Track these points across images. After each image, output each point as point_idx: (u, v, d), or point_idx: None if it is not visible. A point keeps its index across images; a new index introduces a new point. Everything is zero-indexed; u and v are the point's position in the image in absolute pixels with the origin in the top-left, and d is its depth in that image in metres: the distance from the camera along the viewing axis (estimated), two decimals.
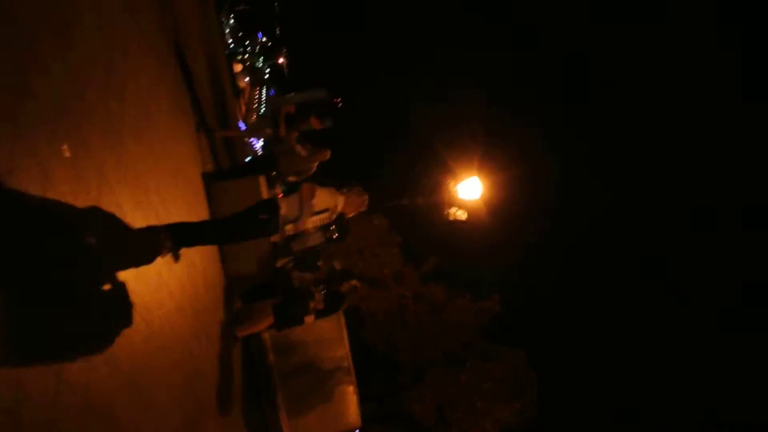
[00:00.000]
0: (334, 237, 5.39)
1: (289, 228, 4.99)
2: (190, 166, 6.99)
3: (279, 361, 8.42)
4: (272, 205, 5.10)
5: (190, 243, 4.94)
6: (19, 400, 2.15)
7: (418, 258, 24.95)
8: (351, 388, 8.72)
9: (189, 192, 6.53)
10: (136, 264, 3.89)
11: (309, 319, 7.32)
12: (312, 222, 5.04)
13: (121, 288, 3.52)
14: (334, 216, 5.39)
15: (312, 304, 7.20)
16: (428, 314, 23.88)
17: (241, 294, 8.02)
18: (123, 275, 3.65)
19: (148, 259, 4.11)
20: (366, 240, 23.87)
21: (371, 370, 23.55)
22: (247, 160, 10.99)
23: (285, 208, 5.05)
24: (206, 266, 6.55)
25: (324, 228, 5.08)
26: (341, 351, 8.67)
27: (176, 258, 4.85)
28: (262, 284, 8.04)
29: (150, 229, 4.36)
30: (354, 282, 7.92)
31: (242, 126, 11.34)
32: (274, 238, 5.55)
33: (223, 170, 9.29)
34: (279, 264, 7.99)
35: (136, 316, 3.74)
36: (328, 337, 8.60)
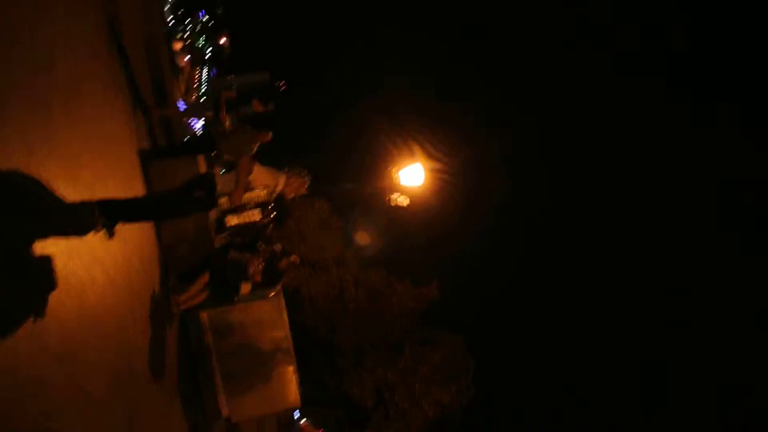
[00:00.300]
0: (272, 217, 5.37)
1: (224, 201, 4.93)
2: (126, 143, 6.82)
3: (217, 341, 8.35)
4: (208, 181, 5.04)
5: (125, 219, 4.85)
6: None
7: (359, 243, 25.08)
8: (290, 369, 8.73)
9: (125, 169, 6.38)
10: (65, 235, 3.81)
11: (245, 287, 7.21)
12: (248, 197, 4.99)
13: (46, 259, 3.44)
14: (274, 195, 5.37)
15: (250, 271, 7.12)
16: (368, 299, 24.08)
17: (177, 274, 7.92)
18: (54, 250, 3.57)
19: (79, 233, 4.03)
20: (307, 223, 23.82)
21: (311, 353, 23.64)
22: (186, 139, 10.78)
23: (221, 185, 5.01)
24: (142, 242, 6.43)
25: (262, 205, 5.05)
26: (281, 332, 8.67)
27: (110, 234, 4.76)
28: (199, 264, 7.95)
29: (83, 204, 4.27)
30: (293, 258, 7.91)
31: (181, 105, 11.09)
32: (211, 213, 5.49)
33: (161, 149, 9.09)
34: (216, 242, 7.93)
35: (70, 292, 3.67)
36: (267, 318, 8.57)
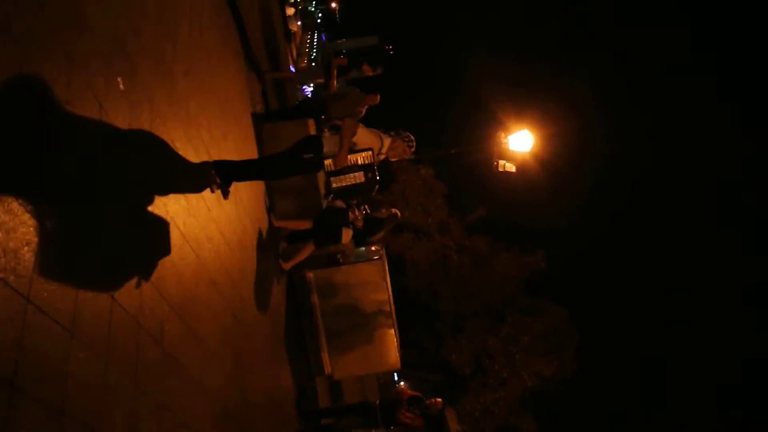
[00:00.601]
0: (377, 179, 5.37)
1: (330, 163, 4.98)
2: (240, 106, 7.07)
3: (322, 301, 8.60)
4: (316, 143, 5.12)
5: (238, 178, 5.05)
6: (76, 317, 2.27)
7: (464, 209, 24.84)
8: (391, 332, 8.87)
9: (239, 131, 6.63)
10: (184, 191, 4.02)
11: (347, 234, 7.40)
12: (353, 159, 5.01)
13: (164, 214, 3.64)
14: (378, 158, 5.37)
15: (350, 217, 7.30)
16: (471, 266, 23.91)
17: (286, 236, 8.19)
18: (174, 208, 3.77)
19: (197, 190, 4.25)
20: (412, 189, 23.84)
21: (412, 318, 23.91)
22: (296, 102, 11.04)
23: (328, 146, 5.07)
24: (254, 204, 6.69)
25: (365, 168, 5.05)
26: (383, 295, 8.79)
27: (225, 195, 4.96)
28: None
29: (202, 164, 4.49)
30: (394, 210, 7.97)
31: (293, 70, 11.32)
32: (320, 175, 5.60)
33: (273, 112, 9.36)
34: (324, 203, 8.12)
35: (186, 247, 3.88)
36: (370, 280, 8.71)
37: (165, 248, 3.48)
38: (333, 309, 8.65)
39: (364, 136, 5.19)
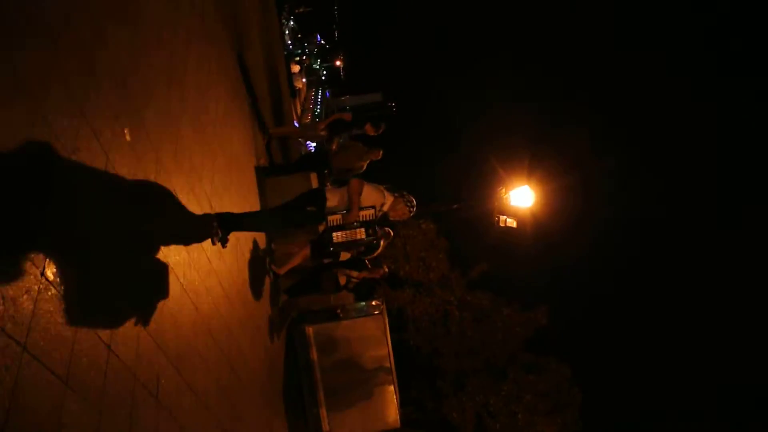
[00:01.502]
0: (377, 238, 5.42)
1: (334, 219, 5.05)
2: (244, 159, 7.16)
3: (321, 356, 8.50)
4: (319, 195, 5.20)
5: (238, 228, 5.08)
6: (71, 366, 2.25)
7: (465, 264, 24.76)
8: (391, 388, 8.73)
9: (242, 184, 6.69)
10: (185, 243, 4.03)
11: (345, 254, 7.44)
12: (358, 216, 5.09)
13: (164, 265, 3.64)
14: (379, 215, 5.43)
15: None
16: (473, 322, 23.65)
17: (286, 288, 8.17)
18: (175, 259, 3.77)
19: (197, 241, 4.27)
20: (413, 244, 23.83)
21: (412, 374, 23.52)
22: (300, 157, 11.18)
23: (331, 200, 5.14)
24: (255, 259, 6.69)
25: (367, 225, 5.11)
26: (383, 350, 8.69)
27: (224, 244, 4.96)
28: (306, 279, 8.17)
29: (204, 216, 4.53)
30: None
31: (297, 125, 11.54)
32: (320, 227, 5.65)
33: (277, 166, 9.47)
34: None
35: (185, 299, 3.86)
36: (370, 335, 8.64)
37: (164, 299, 3.46)
38: (332, 364, 8.54)
39: (368, 193, 5.27)
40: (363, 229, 5.15)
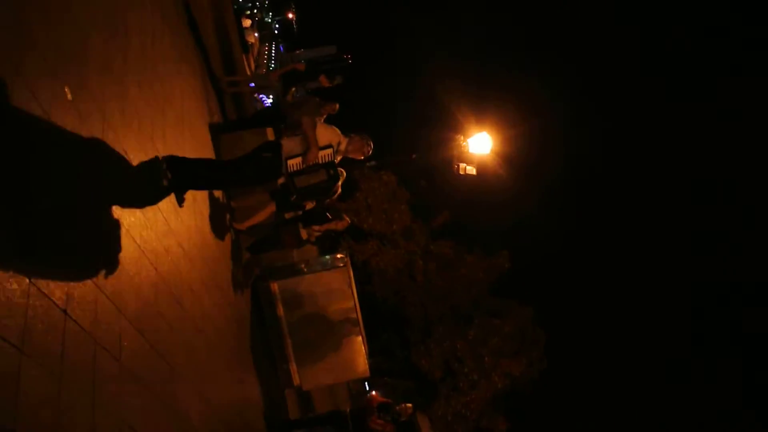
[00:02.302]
0: (337, 178, 5.39)
1: (293, 163, 4.98)
2: (197, 116, 6.98)
3: (288, 312, 8.53)
4: (275, 145, 5.11)
5: (193, 184, 4.96)
6: (25, 333, 2.19)
7: (427, 214, 24.95)
8: (359, 339, 8.83)
9: (196, 142, 6.53)
10: (137, 195, 3.93)
11: (309, 204, 7.54)
12: (318, 156, 5.02)
13: (123, 228, 3.56)
14: (338, 155, 5.39)
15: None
16: (437, 270, 24.00)
17: (248, 245, 8.11)
18: (129, 220, 3.68)
19: (150, 188, 4.17)
20: (375, 196, 23.85)
21: (380, 325, 23.88)
22: (255, 112, 10.94)
23: (287, 146, 5.05)
24: (214, 215, 6.60)
25: (327, 166, 5.06)
26: (349, 303, 8.76)
27: (180, 202, 4.86)
28: (269, 235, 8.12)
29: (152, 160, 4.40)
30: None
31: (252, 85, 11.31)
32: (280, 180, 5.58)
33: (231, 122, 9.27)
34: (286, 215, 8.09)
35: (144, 260, 3.79)
36: (336, 288, 8.68)
37: (119, 260, 3.39)
38: (299, 319, 8.58)
39: (323, 131, 5.20)
40: (324, 170, 5.11)
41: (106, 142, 3.57)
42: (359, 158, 5.71)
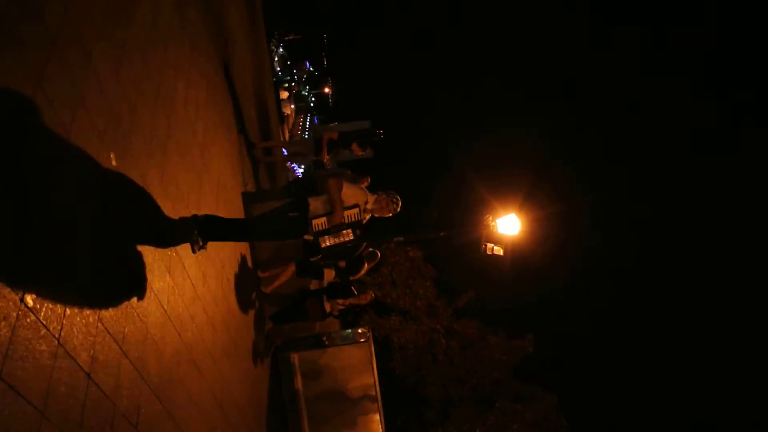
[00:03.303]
0: (364, 238, 5.41)
1: (317, 222, 4.98)
2: (231, 184, 7.12)
3: (306, 384, 8.40)
4: (302, 204, 5.11)
5: (219, 235, 4.98)
6: (49, 396, 2.18)
7: (452, 292, 24.70)
8: (377, 417, 8.62)
9: (228, 210, 6.64)
10: (164, 244, 3.98)
11: (329, 273, 7.61)
12: (343, 216, 5.03)
13: (151, 292, 3.59)
14: (365, 214, 5.40)
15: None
16: (459, 350, 23.53)
17: (271, 315, 8.08)
18: (158, 285, 3.71)
19: (175, 242, 4.21)
20: (400, 271, 23.77)
21: (398, 403, 23.29)
22: (288, 183, 11.16)
23: (314, 205, 5.06)
24: (240, 285, 6.62)
25: (353, 225, 5.05)
26: (369, 379, 8.60)
27: (202, 247, 4.84)
28: (292, 306, 8.10)
29: (183, 218, 4.48)
30: (373, 249, 8.03)
31: (285, 152, 11.60)
32: (308, 237, 5.62)
33: (263, 191, 9.43)
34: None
35: (169, 326, 3.80)
36: (356, 363, 8.55)
37: (146, 326, 3.40)
38: (317, 393, 8.44)
39: (349, 191, 5.23)
40: (350, 230, 5.09)
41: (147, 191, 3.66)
42: (387, 215, 5.74)
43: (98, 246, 2.94)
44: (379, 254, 8.09)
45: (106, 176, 3.15)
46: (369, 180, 8.69)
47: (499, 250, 13.67)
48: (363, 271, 7.94)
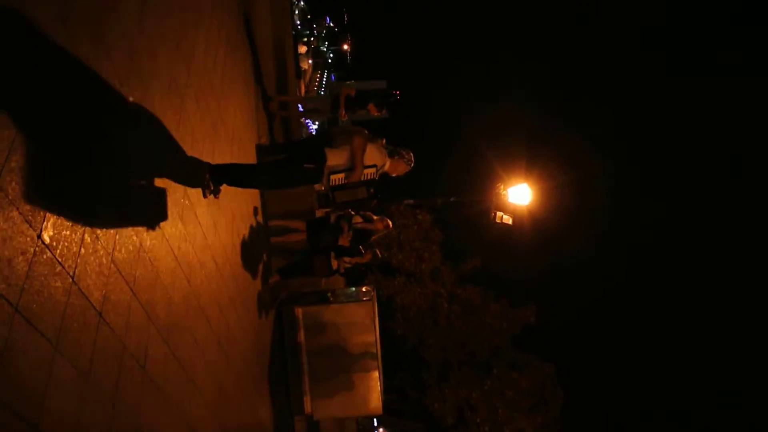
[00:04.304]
0: (377, 195, 5.42)
1: (335, 178, 5.01)
2: (246, 136, 7.13)
3: (309, 339, 8.52)
4: (319, 152, 5.10)
5: (232, 180, 5.01)
6: (62, 331, 2.25)
7: (458, 258, 24.81)
8: (376, 375, 8.77)
9: (243, 160, 6.67)
10: (177, 178, 4.05)
11: (343, 240, 7.71)
12: (362, 175, 5.05)
13: (163, 238, 3.64)
14: (379, 174, 5.42)
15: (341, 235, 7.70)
16: (461, 315, 23.76)
17: (278, 268, 8.17)
18: (170, 231, 3.77)
19: (187, 182, 4.27)
20: (407, 233, 23.84)
21: (397, 363, 23.66)
22: (302, 138, 11.16)
23: (331, 158, 5.06)
24: (251, 235, 6.69)
25: (367, 183, 5.07)
26: (370, 337, 8.72)
27: (216, 194, 4.88)
28: (299, 261, 8.18)
29: (199, 162, 4.52)
30: (387, 220, 8.13)
31: (300, 108, 11.54)
32: (318, 187, 5.62)
33: (278, 144, 9.43)
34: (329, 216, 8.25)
35: (179, 271, 3.86)
36: (359, 321, 8.66)
37: (157, 271, 3.46)
38: (318, 348, 8.57)
39: (371, 152, 5.23)
40: (364, 188, 5.11)
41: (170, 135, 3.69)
42: (401, 175, 5.77)
43: (115, 183, 2.98)
44: (390, 226, 8.25)
45: (125, 110, 3.17)
46: (384, 141, 8.67)
47: (508, 219, 13.69)
48: (375, 237, 8.07)
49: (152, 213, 3.54)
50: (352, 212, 7.79)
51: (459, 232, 25.41)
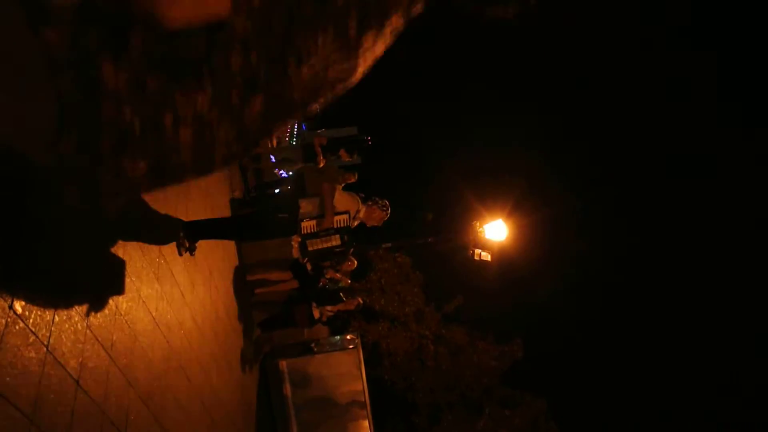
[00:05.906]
0: (351, 244, 5.43)
1: (306, 225, 5.01)
2: (219, 191, 7.13)
3: (295, 392, 8.39)
4: (292, 205, 5.13)
5: (205, 234, 5.00)
6: (38, 402, 2.19)
7: (440, 298, 24.74)
8: (366, 424, 8.63)
9: (217, 215, 6.64)
10: (153, 241, 3.98)
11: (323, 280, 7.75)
12: (333, 221, 5.05)
13: (140, 298, 3.59)
14: (355, 222, 5.43)
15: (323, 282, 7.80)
16: (448, 355, 23.56)
17: (260, 322, 8.08)
18: (147, 291, 3.72)
19: (162, 242, 4.22)
20: (388, 277, 23.77)
21: (387, 409, 23.26)
22: (275, 189, 11.16)
23: (304, 207, 5.08)
24: (228, 290, 6.62)
25: (341, 231, 5.08)
26: (358, 385, 8.61)
27: (191, 252, 4.87)
28: (280, 313, 8.11)
29: (175, 220, 4.49)
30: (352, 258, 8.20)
31: (273, 159, 11.58)
32: (297, 238, 5.62)
33: (252, 197, 9.43)
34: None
35: (157, 332, 3.80)
36: (345, 370, 8.56)
37: (135, 334, 3.40)
38: (306, 400, 8.43)
39: (342, 198, 5.26)
40: (338, 236, 5.12)
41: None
42: (376, 225, 5.77)
43: (86, 251, 2.95)
44: (355, 263, 8.31)
45: None
46: (356, 176, 8.71)
47: (487, 256, 13.72)
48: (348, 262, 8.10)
49: (126, 275, 3.50)
50: (327, 264, 7.80)
51: (439, 272, 25.39)
